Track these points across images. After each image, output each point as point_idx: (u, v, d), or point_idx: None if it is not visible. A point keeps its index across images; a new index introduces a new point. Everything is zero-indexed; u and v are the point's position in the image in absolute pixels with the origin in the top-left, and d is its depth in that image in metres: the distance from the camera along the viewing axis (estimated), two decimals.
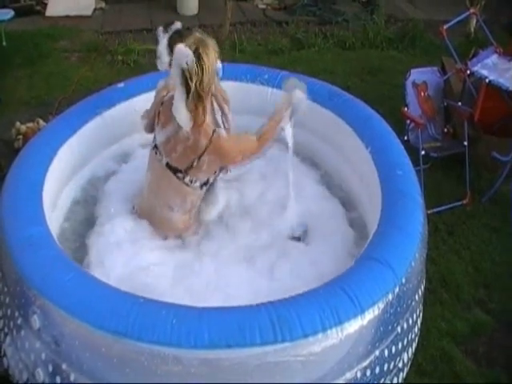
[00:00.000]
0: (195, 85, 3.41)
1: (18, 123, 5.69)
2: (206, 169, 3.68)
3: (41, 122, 5.72)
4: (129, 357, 2.75)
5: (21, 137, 5.54)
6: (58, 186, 4.01)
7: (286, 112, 3.89)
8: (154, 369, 2.71)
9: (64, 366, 2.92)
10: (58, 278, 3.00)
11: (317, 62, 7.80)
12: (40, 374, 3.00)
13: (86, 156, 4.38)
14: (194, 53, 3.38)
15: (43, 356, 2.99)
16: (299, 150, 4.73)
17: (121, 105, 4.59)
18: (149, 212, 3.93)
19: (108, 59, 7.71)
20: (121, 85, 4.75)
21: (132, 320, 2.75)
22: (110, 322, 2.77)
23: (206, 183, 3.79)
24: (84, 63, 7.53)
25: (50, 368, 2.97)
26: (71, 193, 4.26)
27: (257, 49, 8.10)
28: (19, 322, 3.13)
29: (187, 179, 3.70)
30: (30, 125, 5.68)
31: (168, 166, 3.73)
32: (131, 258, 3.69)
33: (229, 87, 4.64)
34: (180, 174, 3.70)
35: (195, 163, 3.63)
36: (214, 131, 3.58)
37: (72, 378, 2.90)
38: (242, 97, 4.60)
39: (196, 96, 3.45)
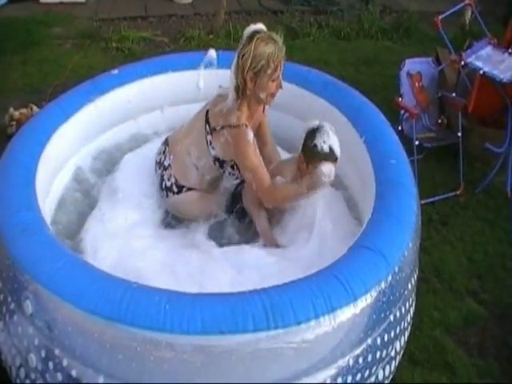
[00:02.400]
0: (238, 55, 3.68)
1: (11, 109, 5.68)
2: (222, 146, 3.80)
3: (34, 108, 5.71)
4: (121, 342, 2.74)
5: (14, 123, 5.53)
6: (51, 171, 4.00)
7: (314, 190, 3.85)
8: (146, 355, 2.71)
9: (57, 352, 2.92)
10: (50, 264, 2.98)
11: (311, 52, 7.79)
12: (33, 360, 2.99)
13: (79, 142, 4.38)
14: (253, 33, 3.64)
15: (36, 341, 2.99)
16: (293, 139, 4.76)
17: (115, 91, 4.58)
18: (175, 146, 4.06)
19: (102, 46, 7.66)
20: (115, 71, 4.73)
21: (125, 305, 2.74)
22: (103, 307, 2.76)
23: (219, 162, 3.88)
24: (78, 50, 7.48)
25: (43, 353, 2.96)
26: (64, 179, 4.26)
27: None
28: (12, 307, 3.12)
29: (209, 138, 3.84)
30: (24, 111, 5.67)
31: (207, 112, 3.90)
32: (124, 245, 3.74)
33: (224, 75, 4.64)
34: (208, 127, 3.85)
35: (218, 128, 3.78)
36: (246, 125, 3.74)
37: (65, 363, 2.90)
38: None
39: (237, 66, 3.69)
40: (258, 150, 3.83)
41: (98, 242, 3.80)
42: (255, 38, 3.60)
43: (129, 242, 3.80)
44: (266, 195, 3.84)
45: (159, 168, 4.11)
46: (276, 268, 3.59)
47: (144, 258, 3.63)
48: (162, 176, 4.07)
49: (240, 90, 3.73)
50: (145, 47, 7.77)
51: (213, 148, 3.84)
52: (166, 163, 4.06)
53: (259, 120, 4.08)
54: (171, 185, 4.03)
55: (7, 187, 3.51)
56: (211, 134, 3.83)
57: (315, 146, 3.75)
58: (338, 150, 3.78)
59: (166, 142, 4.16)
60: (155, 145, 4.37)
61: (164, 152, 4.10)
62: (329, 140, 3.76)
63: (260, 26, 3.69)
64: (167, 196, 4.07)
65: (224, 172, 3.98)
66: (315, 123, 3.82)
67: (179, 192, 4.02)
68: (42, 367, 2.97)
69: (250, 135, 3.76)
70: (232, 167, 3.93)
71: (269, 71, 3.65)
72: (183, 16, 8.71)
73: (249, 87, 3.71)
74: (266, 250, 3.82)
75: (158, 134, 4.78)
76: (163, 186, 4.07)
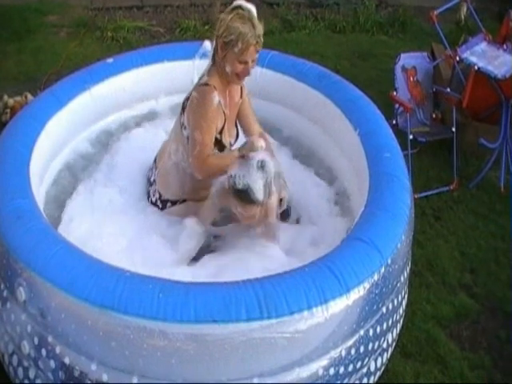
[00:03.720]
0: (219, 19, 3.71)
1: (5, 97, 5.64)
2: (188, 112, 3.76)
3: (29, 96, 5.68)
4: (115, 330, 2.74)
5: (8, 110, 5.50)
6: (45, 159, 4.00)
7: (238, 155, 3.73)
8: (139, 342, 2.71)
9: (50, 339, 2.92)
10: (44, 251, 2.99)
11: (307, 45, 7.78)
12: (25, 347, 3.00)
13: (73, 130, 4.38)
14: (238, 6, 3.64)
15: (29, 328, 2.99)
16: (287, 131, 4.78)
17: (110, 80, 4.58)
18: (159, 161, 4.08)
19: (97, 35, 7.62)
20: (110, 60, 4.73)
21: (118, 293, 2.75)
22: (97, 295, 2.77)
23: None
24: (73, 39, 7.41)
25: (36, 340, 2.97)
26: (58, 166, 4.27)
27: None
28: (5, 294, 3.13)
29: (183, 118, 3.81)
30: (18, 99, 5.64)
31: (182, 103, 3.88)
32: (96, 225, 3.80)
33: None
34: (182, 111, 3.84)
35: (189, 98, 3.78)
36: (215, 87, 3.73)
37: (58, 350, 2.90)
38: None
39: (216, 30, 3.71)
40: (215, 122, 3.78)
41: (76, 213, 3.89)
42: (236, 12, 3.61)
43: (102, 223, 3.83)
44: (202, 162, 3.72)
45: (148, 184, 4.14)
46: None
47: (108, 242, 3.65)
48: (149, 192, 4.09)
49: (213, 54, 3.77)
50: (140, 37, 7.74)
51: (185, 128, 3.79)
52: (151, 179, 4.09)
53: (236, 105, 4.02)
54: (156, 200, 4.04)
55: (1, 175, 3.51)
56: (183, 110, 3.83)
57: (234, 182, 3.54)
58: (257, 195, 3.54)
59: (154, 160, 4.17)
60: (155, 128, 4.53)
61: (152, 169, 4.14)
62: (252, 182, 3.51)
63: (251, 6, 3.67)
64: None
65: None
66: (250, 162, 3.54)
67: (163, 208, 4.03)
68: (35, 354, 2.98)
69: (216, 97, 3.72)
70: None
71: (236, 49, 3.62)
72: (179, 6, 8.66)
73: (218, 54, 3.70)
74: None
75: (152, 123, 4.79)
76: (150, 202, 4.09)
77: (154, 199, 4.05)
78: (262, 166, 3.52)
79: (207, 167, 3.75)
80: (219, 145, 3.85)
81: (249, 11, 3.63)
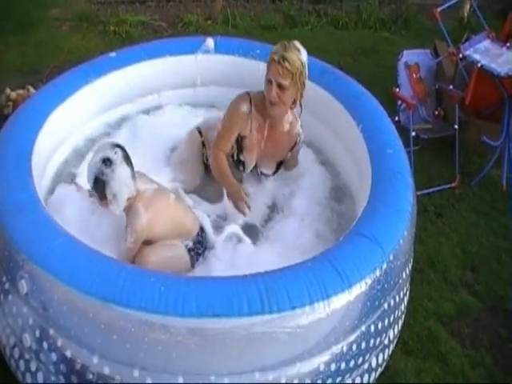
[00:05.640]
0: None
1: (8, 89, 5.64)
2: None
3: (31, 89, 5.67)
4: (116, 323, 2.75)
5: (11, 103, 5.49)
6: (47, 152, 4.00)
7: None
8: (141, 336, 2.72)
9: (51, 332, 2.92)
10: (46, 244, 2.99)
11: (309, 41, 7.67)
12: (27, 339, 3.00)
13: (75, 123, 4.39)
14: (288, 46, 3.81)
15: (30, 321, 2.99)
16: None
17: (112, 74, 4.57)
18: None
19: (100, 29, 7.61)
20: (113, 54, 4.72)
21: (120, 286, 2.76)
22: (98, 287, 2.78)
23: None
24: (76, 32, 7.43)
25: (38, 333, 2.97)
26: (60, 159, 4.27)
27: (250, 24, 8.03)
28: (6, 286, 3.13)
29: None
30: (21, 92, 5.63)
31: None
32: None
33: (221, 61, 4.67)
34: None
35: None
36: (248, 93, 4.02)
37: (59, 343, 2.90)
38: (233, 70, 4.61)
39: None
40: (238, 126, 4.02)
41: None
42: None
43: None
44: (214, 150, 4.06)
45: None
46: None
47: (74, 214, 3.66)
48: None
49: None
50: (143, 31, 7.73)
51: None
52: None
53: (277, 143, 4.16)
54: None
55: (4, 167, 3.51)
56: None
57: None
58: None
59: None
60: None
61: None
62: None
63: (303, 49, 3.90)
64: None
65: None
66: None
67: None
68: (37, 347, 2.98)
69: (244, 106, 3.99)
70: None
71: (267, 66, 3.82)
72: (181, 1, 8.61)
73: None
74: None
75: (154, 117, 4.78)
76: None
77: None
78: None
79: (215, 158, 4.07)
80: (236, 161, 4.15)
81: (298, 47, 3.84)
